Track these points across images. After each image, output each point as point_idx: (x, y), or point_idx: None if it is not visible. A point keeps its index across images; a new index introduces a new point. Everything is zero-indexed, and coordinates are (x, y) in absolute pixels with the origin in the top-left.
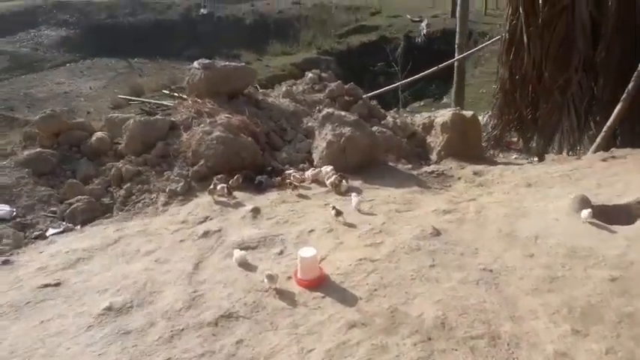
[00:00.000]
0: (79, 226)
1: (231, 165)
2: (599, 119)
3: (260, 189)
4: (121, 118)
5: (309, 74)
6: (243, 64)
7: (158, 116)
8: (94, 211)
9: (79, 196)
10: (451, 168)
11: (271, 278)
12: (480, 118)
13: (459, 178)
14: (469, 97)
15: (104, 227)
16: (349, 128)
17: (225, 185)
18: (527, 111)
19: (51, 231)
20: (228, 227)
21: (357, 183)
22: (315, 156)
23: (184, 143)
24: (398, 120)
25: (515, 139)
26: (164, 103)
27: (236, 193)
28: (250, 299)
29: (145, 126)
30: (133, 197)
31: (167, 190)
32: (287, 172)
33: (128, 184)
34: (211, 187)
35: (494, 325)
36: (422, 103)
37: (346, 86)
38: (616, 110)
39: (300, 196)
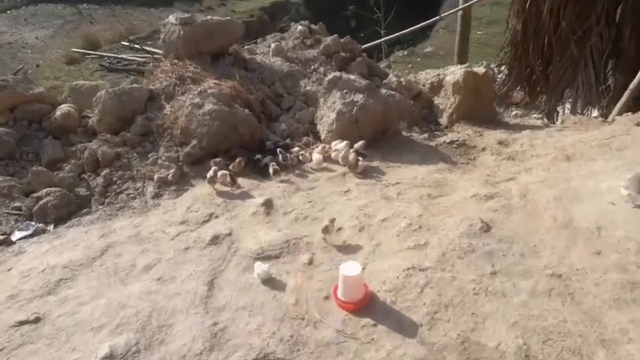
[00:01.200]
0: (51, 226)
1: (228, 143)
2: (619, 75)
3: (266, 173)
4: (87, 86)
5: (298, 26)
6: (228, 18)
7: (134, 84)
8: (69, 206)
9: (49, 188)
10: (469, 135)
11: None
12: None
13: (484, 149)
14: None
15: (84, 230)
16: (361, 95)
17: (227, 172)
18: (539, 66)
19: (17, 234)
20: (240, 228)
21: (375, 162)
22: (322, 128)
23: (168, 117)
24: (402, 79)
25: (519, 96)
26: (125, 57)
27: (240, 180)
28: (286, 332)
29: (119, 98)
30: (114, 187)
31: (155, 178)
32: (292, 149)
33: (106, 171)
34: (210, 173)
35: (586, 354)
36: (405, 53)
37: (342, 40)
38: None
39: (314, 180)
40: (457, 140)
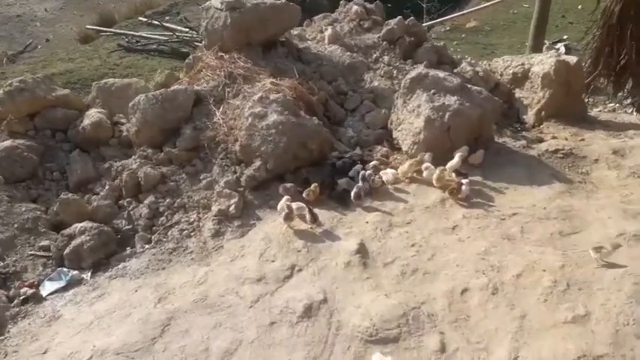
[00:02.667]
0: (88, 274)
1: (297, 162)
2: None
3: (345, 199)
4: (118, 85)
5: (354, 6)
6: (283, 0)
7: (176, 86)
8: (108, 246)
9: (82, 224)
10: (567, 140)
11: None
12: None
13: (596, 161)
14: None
15: (134, 287)
16: (454, 98)
17: (304, 206)
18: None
19: (48, 287)
20: (335, 289)
21: (475, 181)
22: (402, 137)
23: (221, 127)
24: (478, 67)
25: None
26: (144, 34)
27: (317, 211)
28: None
29: (162, 105)
30: (162, 219)
31: (214, 209)
32: (371, 164)
33: (151, 198)
34: (284, 207)
35: None
36: (447, 28)
37: (406, 22)
38: None
39: (408, 210)
40: (562, 149)
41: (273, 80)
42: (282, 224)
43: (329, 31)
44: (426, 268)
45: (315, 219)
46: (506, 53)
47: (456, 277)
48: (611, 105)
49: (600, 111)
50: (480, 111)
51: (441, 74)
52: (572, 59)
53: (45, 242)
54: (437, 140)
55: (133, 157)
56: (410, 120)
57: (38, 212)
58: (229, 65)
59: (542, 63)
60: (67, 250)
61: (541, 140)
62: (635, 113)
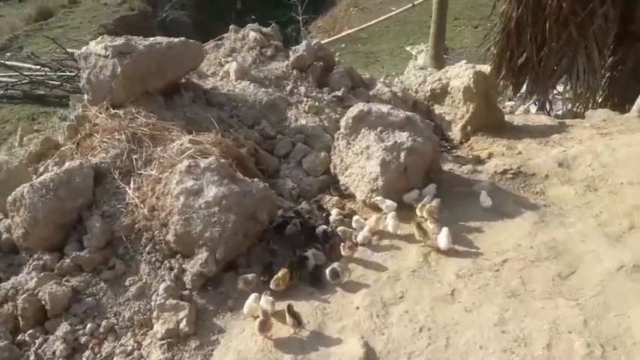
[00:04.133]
0: None
1: (249, 240)
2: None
3: (319, 277)
4: None
5: (251, 32)
6: (182, 39)
7: (69, 164)
8: None
9: None
10: (517, 159)
11: None
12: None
13: (547, 177)
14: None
15: None
16: (405, 134)
17: (286, 310)
18: (533, 53)
19: None
20: None
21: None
22: (353, 183)
23: (140, 210)
24: (395, 87)
25: None
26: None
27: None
28: None
29: (56, 194)
30: (88, 354)
31: (159, 331)
32: (338, 228)
33: (64, 325)
34: (261, 318)
35: None
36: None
37: (313, 45)
38: None
39: (394, 278)
40: (510, 169)
41: (192, 137)
42: (256, 335)
43: (234, 66)
44: None
45: (299, 322)
46: (389, 60)
47: None
48: (509, 103)
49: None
50: (431, 144)
51: (384, 108)
52: (486, 68)
53: None
54: (395, 184)
55: (26, 270)
56: (360, 163)
57: None
58: (129, 124)
59: (460, 76)
60: None
61: (479, 160)
62: (538, 112)
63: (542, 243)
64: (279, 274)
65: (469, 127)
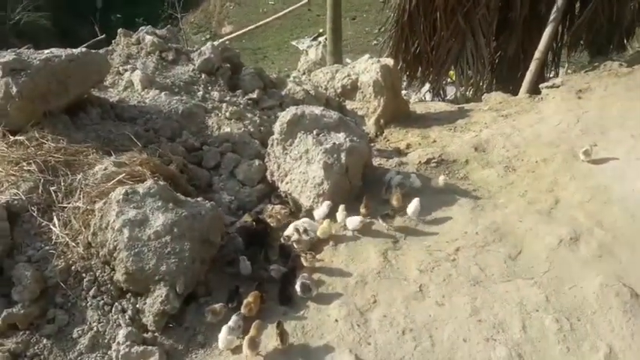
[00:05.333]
0: None
1: (204, 267)
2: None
3: (289, 295)
4: None
5: (147, 36)
6: (83, 49)
7: None
8: None
9: None
10: (435, 148)
11: None
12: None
13: (467, 162)
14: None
15: None
16: (341, 135)
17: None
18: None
19: None
20: None
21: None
22: (296, 189)
23: (74, 250)
24: (307, 85)
25: None
26: None
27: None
28: None
29: None
30: None
31: None
32: (293, 243)
33: None
34: (249, 337)
35: None
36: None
37: (218, 46)
38: (545, 33)
39: (361, 282)
40: (432, 157)
41: (114, 159)
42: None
43: (138, 74)
44: (439, 359)
45: (286, 339)
46: (278, 56)
47: (475, 357)
48: (403, 92)
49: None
50: (365, 142)
51: (316, 110)
52: (389, 61)
53: None
54: (339, 185)
55: None
56: (300, 169)
57: None
58: (37, 152)
59: (368, 71)
60: None
61: (400, 151)
62: (433, 98)
63: (485, 227)
64: (249, 298)
65: (382, 120)
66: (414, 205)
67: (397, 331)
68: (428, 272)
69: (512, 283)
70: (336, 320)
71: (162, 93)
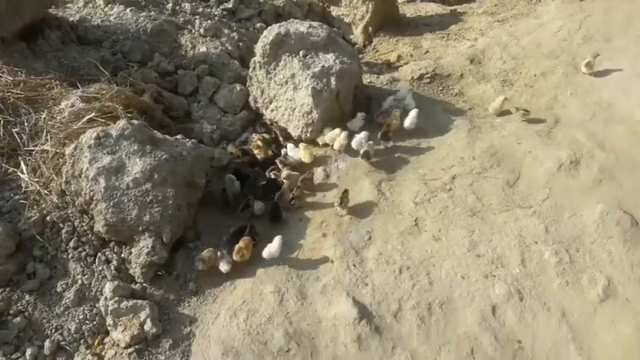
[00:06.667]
0: None
1: (191, 211)
2: None
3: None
4: None
5: None
6: None
7: None
8: None
9: None
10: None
11: None
12: None
13: (462, 76)
14: None
15: None
16: (330, 56)
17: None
18: None
19: None
20: None
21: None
22: (283, 117)
23: (47, 198)
24: None
25: None
26: None
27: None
28: None
29: None
30: None
31: (122, 338)
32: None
33: None
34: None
35: None
36: None
37: None
38: None
39: (355, 219)
40: (425, 73)
41: (81, 93)
42: (235, 317)
43: None
44: (437, 298)
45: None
46: None
47: (473, 295)
48: None
49: None
50: (356, 62)
51: (302, 27)
52: None
53: None
54: (330, 113)
55: None
56: (286, 95)
57: None
58: None
59: None
60: None
61: (390, 64)
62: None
63: (482, 152)
64: (241, 243)
65: (370, 28)
66: (411, 117)
67: (394, 269)
68: (424, 204)
69: (510, 212)
70: (332, 261)
71: (128, 9)
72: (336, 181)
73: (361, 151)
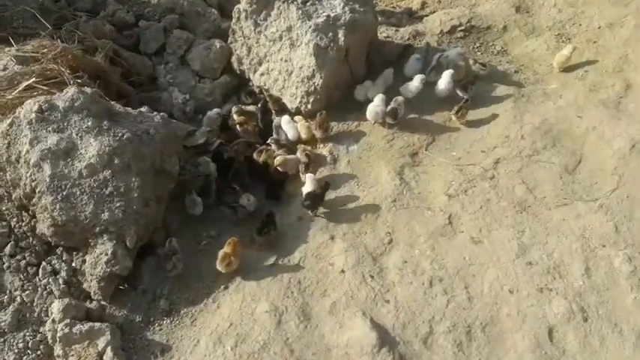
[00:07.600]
0: None
1: (162, 204)
2: None
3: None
4: None
5: None
6: None
7: None
8: None
9: None
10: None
11: None
12: None
13: (505, 29)
14: None
15: None
16: (339, 1)
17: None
18: None
19: None
20: None
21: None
22: (275, 84)
23: None
24: None
25: None
26: None
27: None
28: None
29: None
30: None
31: None
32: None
33: None
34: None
35: None
36: None
37: None
38: None
39: (372, 209)
40: (458, 25)
41: (16, 52)
42: (220, 344)
43: None
44: (479, 318)
45: None
46: None
47: (524, 314)
48: None
49: None
50: (371, 10)
51: None
52: None
53: None
54: (337, 76)
55: None
56: (281, 54)
57: None
58: None
59: None
60: None
61: (412, 12)
62: None
63: (533, 128)
64: (227, 247)
65: None
66: (446, 78)
67: (423, 282)
68: (459, 197)
69: (570, 207)
70: (343, 271)
71: None
72: (346, 168)
73: (388, 109)
